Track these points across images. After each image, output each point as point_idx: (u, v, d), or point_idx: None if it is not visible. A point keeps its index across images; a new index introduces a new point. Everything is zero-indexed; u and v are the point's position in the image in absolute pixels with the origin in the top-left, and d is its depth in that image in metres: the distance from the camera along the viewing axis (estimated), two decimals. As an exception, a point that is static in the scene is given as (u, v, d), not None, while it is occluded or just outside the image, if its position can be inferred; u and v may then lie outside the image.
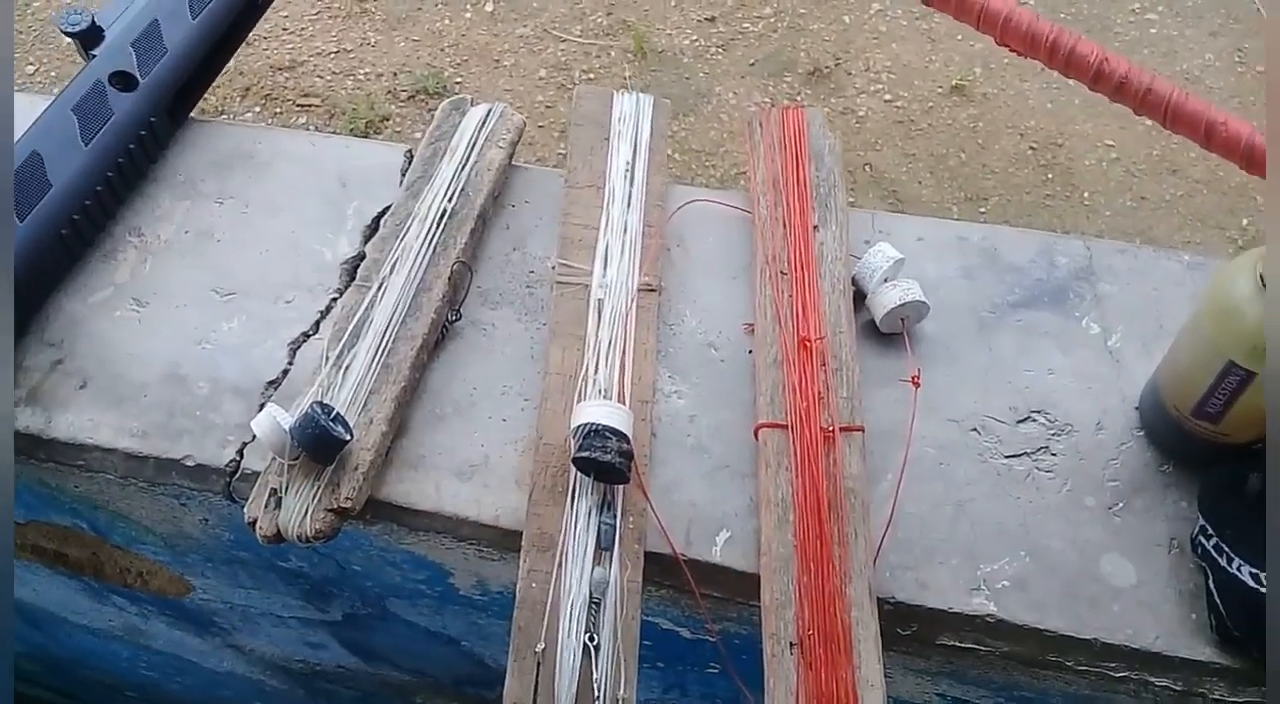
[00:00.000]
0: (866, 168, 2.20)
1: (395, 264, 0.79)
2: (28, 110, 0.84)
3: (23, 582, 1.04)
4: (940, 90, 2.31)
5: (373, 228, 0.84)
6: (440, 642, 0.91)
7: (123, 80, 0.84)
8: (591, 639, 0.66)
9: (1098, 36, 2.37)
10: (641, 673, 0.82)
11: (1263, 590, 0.63)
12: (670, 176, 0.86)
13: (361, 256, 0.82)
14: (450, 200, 0.82)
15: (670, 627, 0.77)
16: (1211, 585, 0.65)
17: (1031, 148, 2.21)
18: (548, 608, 0.66)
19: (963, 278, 0.80)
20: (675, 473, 0.73)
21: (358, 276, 0.80)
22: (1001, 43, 0.88)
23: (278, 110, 2.40)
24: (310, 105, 2.41)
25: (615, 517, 0.70)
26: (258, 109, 2.40)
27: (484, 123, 0.86)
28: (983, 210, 2.17)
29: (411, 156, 0.87)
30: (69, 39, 0.86)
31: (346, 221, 0.85)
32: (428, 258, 0.79)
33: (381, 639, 0.95)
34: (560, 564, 0.68)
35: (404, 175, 0.86)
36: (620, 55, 2.44)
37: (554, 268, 0.80)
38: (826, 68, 2.37)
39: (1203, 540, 0.66)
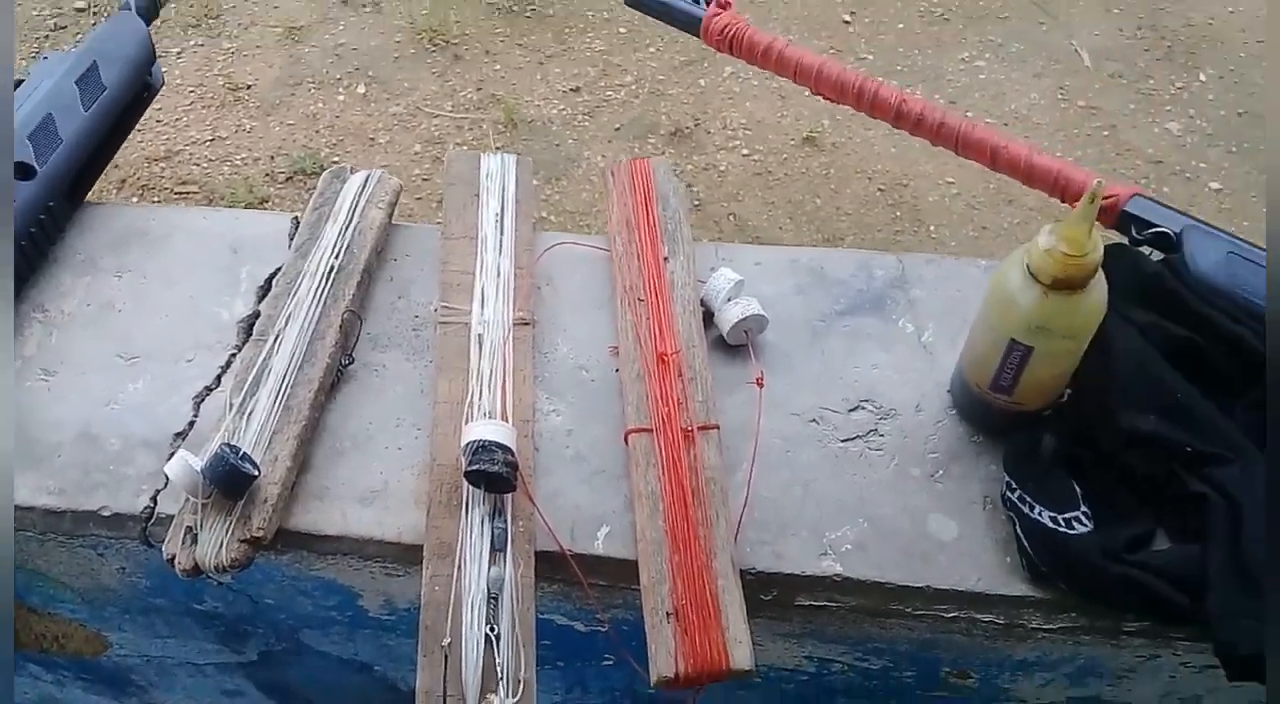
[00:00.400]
0: (731, 217, 2.34)
1: (289, 317, 0.87)
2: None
3: (-65, 663, 1.06)
4: (793, 142, 2.49)
5: (265, 288, 0.92)
6: (353, 669, 0.97)
7: (22, 170, 0.91)
8: (492, 630, 0.74)
9: (931, 85, 2.59)
10: (544, 674, 0.90)
11: (1060, 530, 0.74)
12: (538, 224, 0.96)
13: (257, 314, 0.89)
14: (337, 258, 0.90)
15: (565, 622, 0.85)
16: (1019, 531, 0.76)
17: (880, 189, 2.39)
18: (450, 607, 0.74)
19: (795, 294, 0.91)
20: (558, 481, 0.81)
21: (254, 332, 0.87)
22: (816, 91, 1.01)
23: (155, 199, 2.44)
24: (188, 192, 2.46)
25: (506, 522, 0.78)
26: (135, 199, 2.43)
27: (364, 187, 0.95)
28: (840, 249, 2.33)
29: (298, 222, 0.96)
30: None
31: (240, 284, 0.93)
32: (319, 310, 0.87)
33: (296, 675, 1.00)
34: (459, 567, 0.76)
35: (292, 239, 0.94)
36: (491, 127, 2.55)
37: (436, 310, 0.89)
38: (687, 128, 2.52)
39: (1009, 494, 0.77)
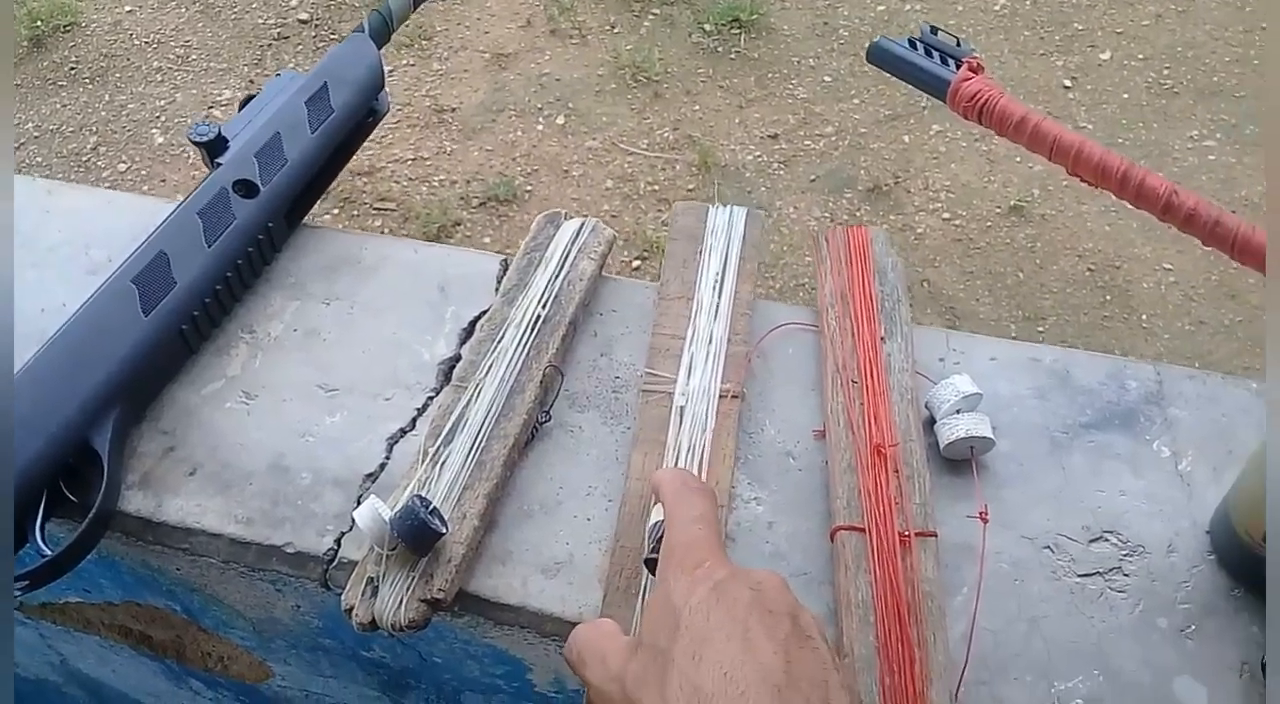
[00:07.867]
0: (924, 284, 2.24)
1: (491, 366, 0.83)
2: (154, 213, 0.91)
3: (105, 661, 1.07)
4: (999, 210, 2.37)
5: (469, 331, 0.89)
6: (510, 737, 0.92)
7: (245, 188, 0.91)
8: (671, 738, 0.68)
9: (1155, 162, 2.43)
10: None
11: (1339, 718, 0.63)
12: (758, 289, 0.90)
13: (458, 358, 0.87)
14: (544, 307, 0.87)
15: (743, 730, 0.78)
16: (1286, 711, 0.65)
17: (1090, 269, 2.25)
18: (629, 705, 0.69)
19: (1035, 398, 0.83)
20: (753, 577, 0.75)
21: (454, 377, 0.84)
22: (1073, 173, 0.92)
23: (355, 213, 2.50)
24: (385, 209, 2.52)
25: (695, 618, 0.72)
26: (335, 211, 2.50)
27: (577, 235, 0.92)
28: (1040, 329, 2.19)
29: (507, 265, 0.93)
30: (195, 147, 0.94)
31: (445, 325, 0.90)
32: (521, 361, 0.84)
33: (451, 732, 0.97)
34: (641, 662, 0.70)
35: (499, 283, 0.91)
36: (685, 169, 2.53)
37: (642, 376, 0.84)
38: (886, 185, 2.44)
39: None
